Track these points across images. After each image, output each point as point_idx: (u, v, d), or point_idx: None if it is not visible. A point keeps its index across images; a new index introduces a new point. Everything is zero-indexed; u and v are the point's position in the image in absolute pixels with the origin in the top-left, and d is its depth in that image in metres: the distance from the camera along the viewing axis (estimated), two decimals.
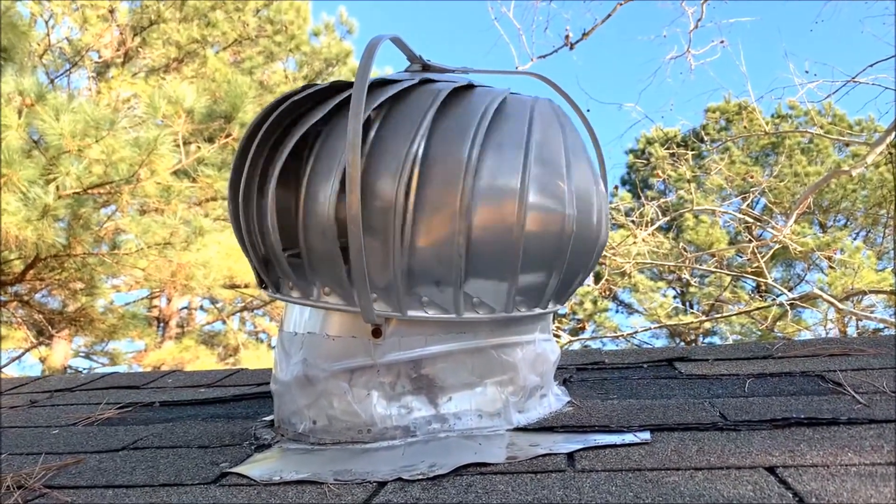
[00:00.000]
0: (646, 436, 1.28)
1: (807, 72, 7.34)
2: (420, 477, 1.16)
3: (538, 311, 1.45)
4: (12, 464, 1.43)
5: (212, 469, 1.30)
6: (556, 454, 1.22)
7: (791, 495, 0.96)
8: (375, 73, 1.33)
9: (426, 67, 1.55)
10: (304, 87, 1.39)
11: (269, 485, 1.19)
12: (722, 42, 7.44)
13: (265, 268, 1.47)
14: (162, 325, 13.91)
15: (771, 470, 1.07)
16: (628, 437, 1.27)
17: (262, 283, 1.51)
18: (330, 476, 1.19)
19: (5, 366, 9.97)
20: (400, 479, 1.16)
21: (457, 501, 1.04)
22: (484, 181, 1.29)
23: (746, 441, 1.22)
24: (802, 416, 1.31)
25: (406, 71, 1.56)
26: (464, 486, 1.11)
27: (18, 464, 1.43)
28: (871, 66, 6.27)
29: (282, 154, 1.32)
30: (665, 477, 1.07)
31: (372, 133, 1.31)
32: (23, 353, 10.48)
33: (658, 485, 1.04)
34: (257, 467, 1.28)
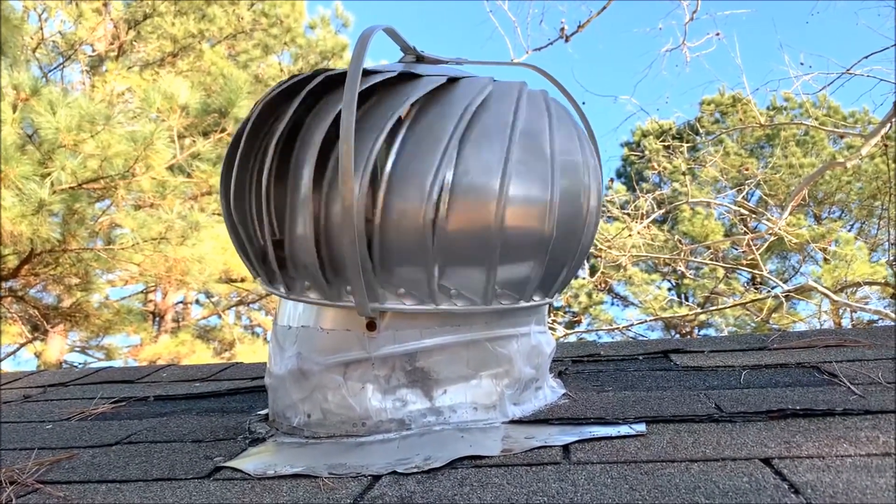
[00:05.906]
0: (641, 428, 1.27)
1: (802, 64, 7.35)
2: (415, 470, 1.15)
3: (546, 300, 1.46)
4: (5, 459, 1.43)
5: (206, 463, 1.29)
6: (551, 446, 1.22)
7: (787, 486, 0.96)
8: (369, 63, 1.32)
9: (420, 59, 1.53)
10: (314, 75, 1.34)
11: (264, 479, 1.18)
12: (717, 34, 7.44)
13: (280, 268, 1.43)
14: (157, 319, 13.87)
15: (767, 461, 1.07)
16: (624, 430, 1.27)
17: (271, 282, 1.46)
18: (324, 470, 1.19)
19: (0, 361, 9.95)
20: (394, 472, 1.15)
21: (451, 494, 1.04)
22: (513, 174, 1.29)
23: (742, 433, 1.22)
24: (798, 408, 1.31)
25: (399, 62, 1.54)
26: (458, 478, 1.10)
27: (11, 459, 1.42)
28: (866, 57, 6.27)
29: (312, 151, 1.27)
30: (660, 469, 1.07)
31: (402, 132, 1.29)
32: (18, 349, 10.47)
33: (653, 477, 1.04)
34: (251, 461, 1.28)
